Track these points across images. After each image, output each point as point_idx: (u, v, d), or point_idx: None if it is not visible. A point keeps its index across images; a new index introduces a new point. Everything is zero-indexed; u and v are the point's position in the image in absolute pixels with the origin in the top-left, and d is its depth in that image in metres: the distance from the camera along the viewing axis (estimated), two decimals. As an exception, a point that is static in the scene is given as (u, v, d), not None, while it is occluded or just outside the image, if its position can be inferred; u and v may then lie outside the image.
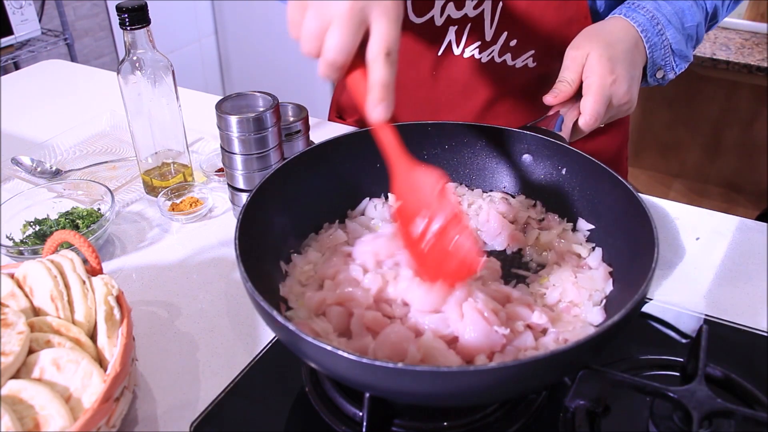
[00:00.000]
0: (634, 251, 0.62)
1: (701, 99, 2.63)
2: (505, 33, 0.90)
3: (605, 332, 0.49)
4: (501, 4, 0.87)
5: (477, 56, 0.93)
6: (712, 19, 0.88)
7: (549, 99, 0.80)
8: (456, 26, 0.91)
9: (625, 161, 1.15)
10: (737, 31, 2.18)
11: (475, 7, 0.88)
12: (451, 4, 0.89)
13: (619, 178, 0.66)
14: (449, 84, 0.98)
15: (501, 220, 0.72)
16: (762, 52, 2.06)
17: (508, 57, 0.92)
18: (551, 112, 0.80)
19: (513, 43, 0.90)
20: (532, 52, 0.91)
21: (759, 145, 2.62)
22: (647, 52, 0.82)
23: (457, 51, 0.94)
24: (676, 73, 0.86)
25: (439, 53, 0.94)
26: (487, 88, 0.96)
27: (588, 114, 0.77)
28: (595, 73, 0.77)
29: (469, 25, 0.90)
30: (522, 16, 0.88)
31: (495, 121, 0.99)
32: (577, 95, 0.80)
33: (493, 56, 0.92)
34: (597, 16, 0.90)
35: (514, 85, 0.96)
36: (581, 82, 0.79)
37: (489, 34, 0.90)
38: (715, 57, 2.02)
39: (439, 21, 0.91)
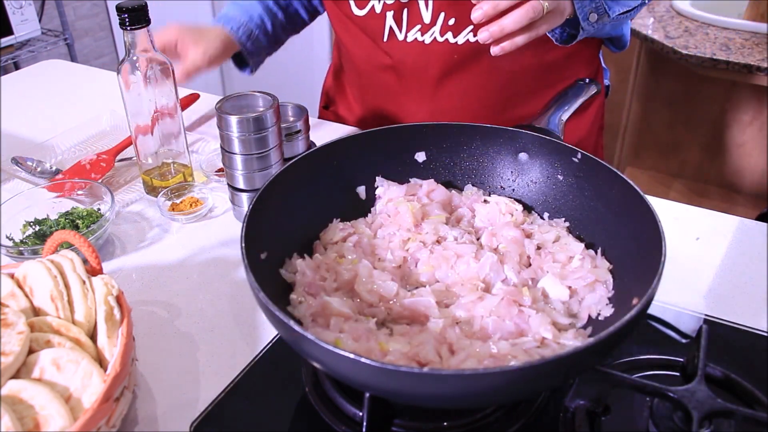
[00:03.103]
0: (636, 249, 0.62)
1: (701, 99, 2.63)
2: (443, 13, 0.93)
3: (614, 334, 0.48)
4: None
5: (420, 39, 0.96)
6: None
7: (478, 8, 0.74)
8: (392, 11, 0.94)
9: (601, 150, 1.17)
10: (737, 31, 2.18)
11: None
12: None
13: (618, 173, 0.66)
14: (402, 69, 1.02)
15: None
16: (762, 52, 2.06)
17: (449, 35, 0.95)
18: (543, 110, 0.80)
19: (452, 21, 0.93)
20: (471, 27, 0.93)
21: (759, 145, 2.62)
22: None
23: (400, 36, 0.97)
24: (610, 16, 0.85)
25: (385, 39, 0.98)
26: (437, 69, 0.99)
27: None
28: None
29: (406, 10, 0.94)
30: None
31: (452, 103, 1.02)
32: (571, 96, 0.80)
33: (435, 37, 0.95)
34: None
35: (462, 62, 0.98)
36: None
37: (427, 17, 0.94)
38: (715, 57, 2.02)
39: (378, 8, 0.95)
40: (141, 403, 0.62)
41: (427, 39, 0.96)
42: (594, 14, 0.84)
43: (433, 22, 0.94)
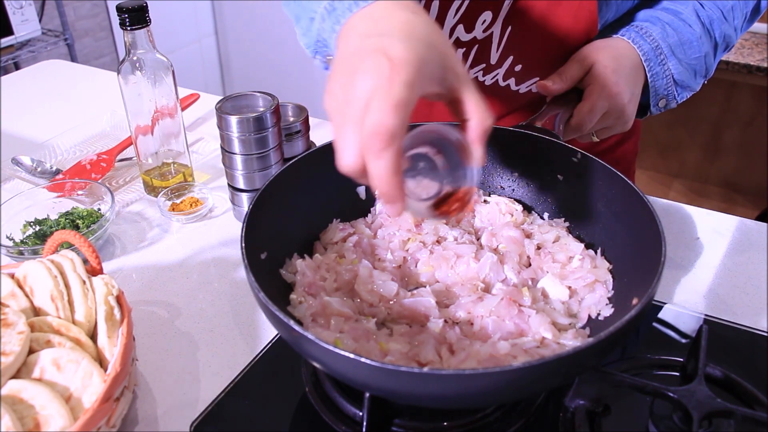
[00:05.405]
0: (636, 249, 0.62)
1: (701, 99, 2.63)
2: (511, 57, 0.89)
3: (614, 334, 0.48)
4: (510, 28, 0.86)
5: (480, 78, 0.92)
6: (725, 48, 0.88)
7: (544, 84, 0.82)
8: (463, 49, 0.90)
9: (632, 176, 1.14)
10: (737, 31, 2.18)
11: (485, 30, 0.87)
12: (460, 27, 0.88)
13: (618, 173, 0.66)
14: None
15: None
16: (762, 52, 2.06)
17: (512, 81, 0.91)
18: (544, 110, 0.80)
19: (518, 68, 0.90)
20: (537, 79, 0.90)
21: (759, 145, 2.62)
22: (649, 80, 0.83)
23: None
24: (677, 102, 0.87)
25: None
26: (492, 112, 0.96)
27: (581, 116, 0.79)
28: (600, 80, 0.79)
29: (476, 47, 0.90)
30: (528, 43, 0.87)
31: None
32: (572, 97, 0.80)
33: (497, 79, 0.92)
34: None
35: (516, 108, 0.95)
36: (576, 84, 0.81)
37: (494, 58, 0.89)
38: (715, 57, 2.02)
39: None
40: (141, 403, 0.62)
41: (488, 80, 0.92)
42: (664, 100, 0.86)
43: (499, 65, 0.90)
